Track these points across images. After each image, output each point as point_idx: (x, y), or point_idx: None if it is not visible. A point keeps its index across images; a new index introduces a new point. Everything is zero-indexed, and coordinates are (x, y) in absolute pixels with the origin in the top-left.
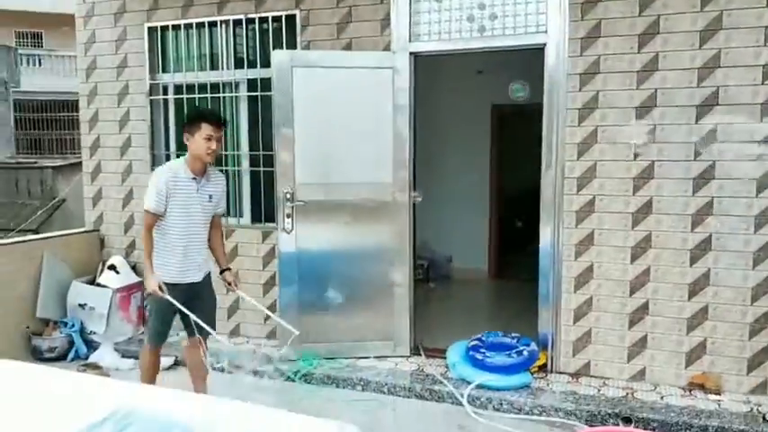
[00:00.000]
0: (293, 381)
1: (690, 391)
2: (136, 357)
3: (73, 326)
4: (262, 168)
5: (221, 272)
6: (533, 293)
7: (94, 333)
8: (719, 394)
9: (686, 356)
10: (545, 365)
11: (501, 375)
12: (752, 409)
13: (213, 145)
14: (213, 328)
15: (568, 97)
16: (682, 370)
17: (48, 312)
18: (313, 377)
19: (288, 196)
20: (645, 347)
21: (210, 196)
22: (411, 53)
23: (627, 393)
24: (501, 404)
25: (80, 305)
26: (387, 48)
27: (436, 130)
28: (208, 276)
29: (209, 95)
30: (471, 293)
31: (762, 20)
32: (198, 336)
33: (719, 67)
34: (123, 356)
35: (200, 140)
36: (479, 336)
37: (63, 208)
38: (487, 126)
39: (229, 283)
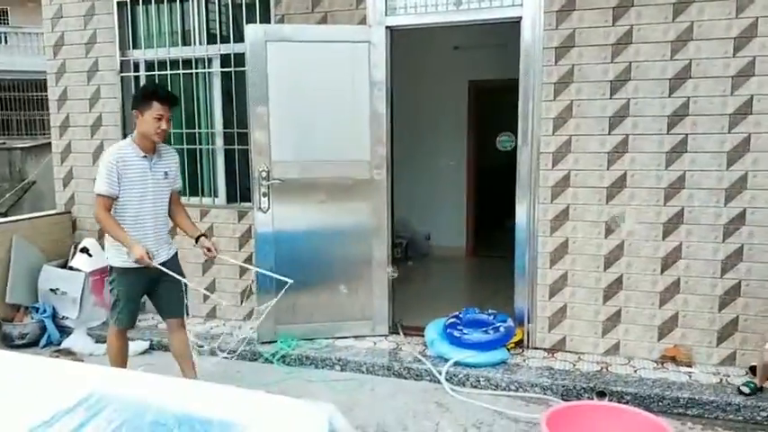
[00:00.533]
0: (271, 362)
1: (662, 364)
2: None
3: (45, 311)
4: (237, 146)
5: (196, 240)
6: (511, 270)
7: (67, 318)
8: (691, 366)
9: (659, 330)
10: (521, 341)
11: (478, 352)
12: (721, 380)
13: (164, 125)
14: (183, 308)
15: (544, 71)
16: (654, 343)
17: (18, 298)
18: (291, 358)
19: (264, 175)
20: (619, 322)
21: (166, 173)
22: (387, 27)
23: (601, 367)
24: (479, 381)
25: (51, 290)
26: (362, 21)
27: (414, 106)
28: (174, 257)
29: (181, 72)
30: (449, 271)
31: None
32: (178, 315)
33: (692, 39)
34: (97, 341)
35: (151, 120)
36: (457, 313)
37: (33, 190)
38: (465, 102)
39: (208, 249)
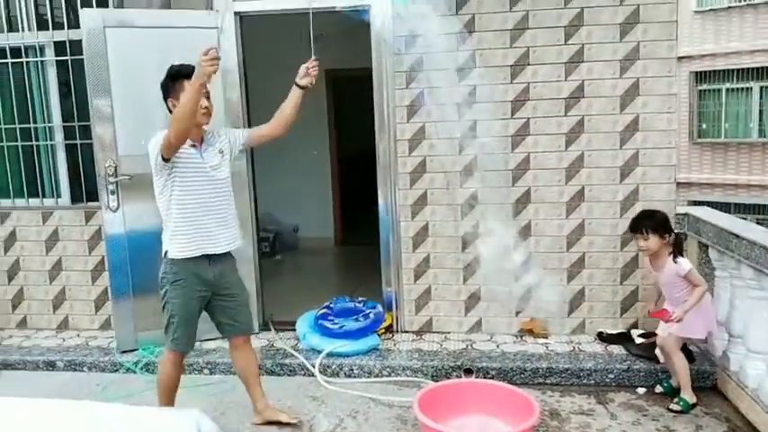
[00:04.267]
0: (134, 372)
1: (521, 338)
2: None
3: None
4: (79, 141)
5: (299, 87)
6: (378, 256)
7: None
8: (547, 338)
9: (516, 305)
10: (391, 326)
11: (350, 341)
12: (573, 349)
13: (205, 102)
14: (252, 321)
15: (396, 60)
16: (513, 318)
17: None
18: (155, 366)
19: (110, 171)
20: (479, 300)
21: (221, 151)
22: (236, 12)
23: (467, 345)
24: (352, 370)
25: None
26: (209, 6)
27: (273, 97)
28: (233, 261)
29: (9, 61)
30: (319, 262)
31: None
32: (247, 331)
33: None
34: None
35: None
36: (327, 303)
37: None
38: (323, 92)
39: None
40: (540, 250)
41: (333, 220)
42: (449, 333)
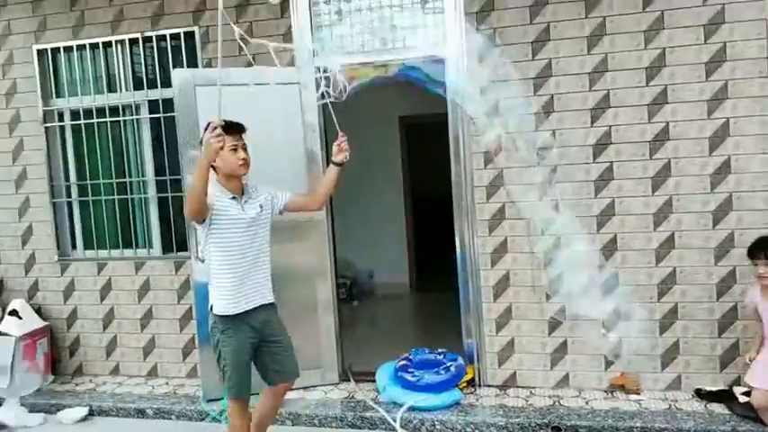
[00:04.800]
0: (219, 421)
1: (612, 393)
2: (47, 411)
3: None
4: (170, 194)
5: (335, 164)
6: (456, 304)
7: None
8: (639, 393)
9: (605, 358)
10: (473, 379)
11: (431, 394)
12: (670, 406)
13: (241, 153)
14: (298, 368)
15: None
16: (602, 372)
17: None
18: None
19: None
20: (566, 353)
21: (260, 206)
22: (317, 67)
23: (554, 401)
24: (434, 425)
25: None
26: (291, 63)
27: (348, 144)
28: (275, 309)
29: (108, 119)
30: (395, 309)
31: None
32: (293, 378)
33: (607, 70)
34: (31, 411)
35: (227, 154)
36: (407, 355)
37: None
38: (397, 137)
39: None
40: (629, 301)
41: (408, 266)
42: (534, 388)
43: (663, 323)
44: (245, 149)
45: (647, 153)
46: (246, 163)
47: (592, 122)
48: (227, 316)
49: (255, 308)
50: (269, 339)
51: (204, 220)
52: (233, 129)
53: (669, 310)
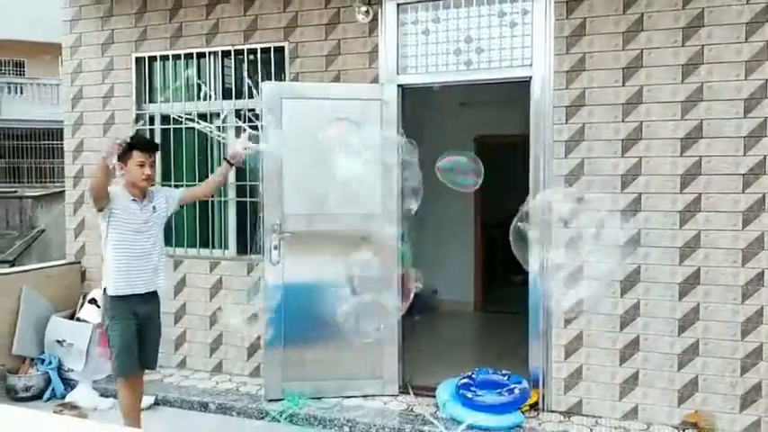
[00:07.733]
0: (278, 421)
1: (684, 431)
2: (116, 397)
3: (50, 363)
4: (248, 199)
5: (227, 162)
6: (521, 327)
7: (72, 371)
8: None
9: (678, 393)
10: (536, 404)
11: (492, 415)
12: None
13: (147, 170)
14: (156, 360)
15: (554, 130)
16: (674, 408)
17: (25, 349)
18: (299, 417)
19: (276, 227)
20: (636, 384)
21: (154, 207)
22: (399, 85)
23: None
24: None
25: (58, 341)
26: (375, 80)
27: (421, 160)
28: (158, 300)
29: (195, 125)
30: (458, 327)
31: (741, 55)
32: (153, 367)
33: (702, 100)
34: (102, 395)
35: (134, 167)
36: (469, 373)
37: (41, 238)
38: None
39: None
40: (709, 336)
41: (473, 285)
42: (600, 417)
43: (745, 363)
44: (152, 166)
45: (739, 186)
46: (149, 178)
47: (682, 151)
48: (116, 297)
49: (141, 294)
50: (149, 324)
51: (102, 209)
52: (146, 147)
53: (753, 349)
